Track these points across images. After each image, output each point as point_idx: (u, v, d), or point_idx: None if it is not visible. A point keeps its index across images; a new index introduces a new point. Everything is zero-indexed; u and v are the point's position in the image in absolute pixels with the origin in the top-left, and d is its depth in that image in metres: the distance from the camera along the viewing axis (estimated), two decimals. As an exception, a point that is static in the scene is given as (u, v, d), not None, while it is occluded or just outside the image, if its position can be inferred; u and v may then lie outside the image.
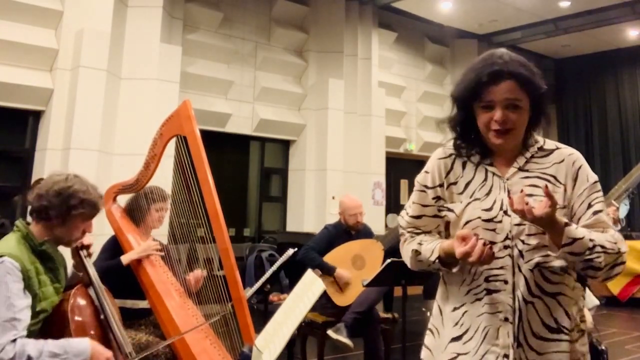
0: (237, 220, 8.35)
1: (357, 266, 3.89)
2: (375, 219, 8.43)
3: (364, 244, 3.96)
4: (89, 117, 6.08)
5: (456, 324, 1.45)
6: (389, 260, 3.26)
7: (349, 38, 9.08)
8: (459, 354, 1.43)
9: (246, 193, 8.72)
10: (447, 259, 1.43)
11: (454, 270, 1.44)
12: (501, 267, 1.39)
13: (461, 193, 1.49)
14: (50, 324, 1.96)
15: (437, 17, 10.08)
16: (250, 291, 3.33)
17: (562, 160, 1.46)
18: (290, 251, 3.45)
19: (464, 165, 1.51)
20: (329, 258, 3.85)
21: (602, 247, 1.33)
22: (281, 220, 8.85)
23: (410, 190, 1.59)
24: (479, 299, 1.42)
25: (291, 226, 8.69)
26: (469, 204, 1.46)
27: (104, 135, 6.20)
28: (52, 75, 6.37)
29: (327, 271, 3.80)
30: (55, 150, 6.12)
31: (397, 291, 3.73)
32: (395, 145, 10.07)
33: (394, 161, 10.23)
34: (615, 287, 7.18)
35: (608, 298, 7.23)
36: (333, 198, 8.26)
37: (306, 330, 3.88)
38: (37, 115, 6.43)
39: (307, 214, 8.53)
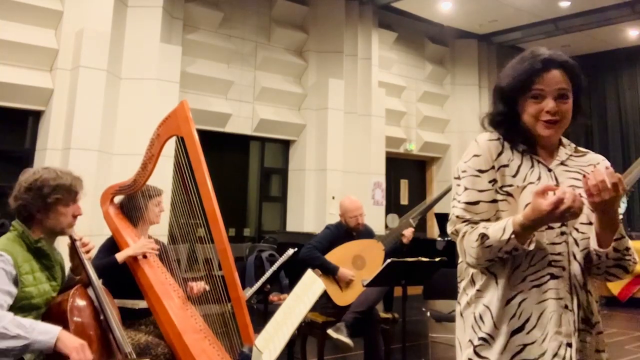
0: (237, 220, 8.35)
1: (357, 266, 3.89)
2: (375, 219, 8.43)
3: (364, 244, 3.96)
4: (89, 117, 6.08)
5: (513, 316, 1.39)
6: (389, 260, 3.26)
7: (349, 38, 9.08)
8: (525, 345, 1.37)
9: (246, 193, 8.72)
10: (525, 232, 1.33)
11: (531, 247, 1.36)
12: (559, 254, 1.39)
13: (514, 176, 1.45)
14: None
15: (437, 17, 10.08)
16: (250, 291, 3.33)
17: (598, 163, 1.51)
18: (290, 251, 3.44)
19: (512, 150, 1.49)
20: (330, 257, 3.85)
21: (632, 251, 1.40)
22: (281, 220, 8.85)
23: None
24: (540, 285, 1.38)
25: (291, 226, 8.69)
26: (525, 187, 1.43)
27: (103, 135, 6.20)
28: (52, 75, 6.37)
29: (329, 271, 3.79)
30: (55, 150, 6.12)
31: (397, 291, 3.73)
32: (395, 145, 10.07)
33: (394, 161, 10.23)
34: (615, 287, 7.18)
35: (608, 298, 7.22)
36: (333, 198, 8.26)
37: (306, 330, 3.88)
38: (37, 115, 6.43)
39: (307, 214, 8.53)
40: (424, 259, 3.34)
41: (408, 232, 4.06)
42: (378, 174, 9.15)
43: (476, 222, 1.43)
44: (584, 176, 1.30)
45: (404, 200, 10.65)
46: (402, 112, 10.28)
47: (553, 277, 1.38)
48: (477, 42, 11.08)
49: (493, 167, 1.46)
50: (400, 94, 10.35)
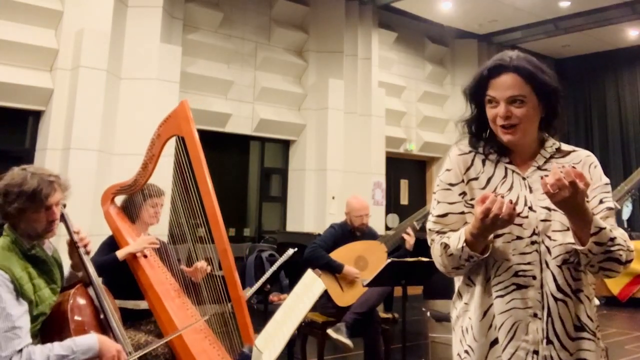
0: (237, 220, 8.35)
1: (359, 267, 3.89)
2: (375, 219, 8.40)
3: (367, 245, 3.95)
4: (89, 117, 6.08)
5: (490, 327, 1.41)
6: (389, 260, 3.26)
7: (349, 38, 9.08)
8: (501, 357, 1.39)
9: (246, 193, 8.72)
10: (476, 240, 1.36)
11: (486, 254, 1.38)
12: (529, 263, 1.39)
13: (483, 188, 1.48)
14: (50, 324, 1.95)
15: (437, 17, 10.09)
16: (250, 291, 3.33)
17: (580, 161, 1.49)
18: (290, 251, 3.44)
19: (483, 162, 1.51)
20: (333, 257, 3.85)
21: (619, 240, 1.35)
22: (281, 220, 8.85)
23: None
24: (504, 295, 1.39)
25: (291, 226, 8.69)
26: None
27: (104, 135, 6.21)
28: (52, 75, 6.37)
29: (334, 269, 3.79)
30: (55, 150, 6.12)
31: (397, 291, 3.72)
32: (395, 145, 10.07)
33: (394, 161, 10.23)
34: (615, 287, 7.18)
35: (608, 298, 7.23)
36: (333, 198, 8.26)
37: (306, 330, 3.88)
38: (37, 115, 6.43)
39: (307, 214, 8.53)
40: (424, 259, 3.34)
41: (409, 238, 4.00)
42: (378, 174, 9.15)
43: (445, 233, 1.48)
44: (542, 178, 1.29)
45: (404, 200, 10.65)
46: (402, 112, 10.29)
47: (519, 287, 1.39)
48: (477, 42, 11.08)
49: (462, 181, 1.50)
50: (400, 94, 10.35)
